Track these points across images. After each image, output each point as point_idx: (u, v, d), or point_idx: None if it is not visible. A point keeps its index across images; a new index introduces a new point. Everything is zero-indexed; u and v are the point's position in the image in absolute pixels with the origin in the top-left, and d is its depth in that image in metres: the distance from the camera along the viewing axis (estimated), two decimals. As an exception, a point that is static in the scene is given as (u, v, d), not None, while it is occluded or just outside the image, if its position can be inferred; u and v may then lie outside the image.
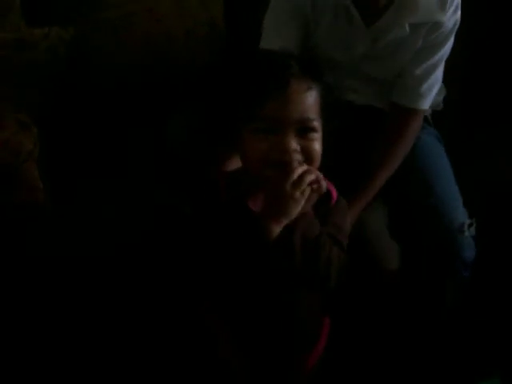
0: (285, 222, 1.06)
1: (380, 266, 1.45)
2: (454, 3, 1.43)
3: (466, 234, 1.44)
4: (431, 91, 1.52)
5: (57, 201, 1.45)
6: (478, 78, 1.79)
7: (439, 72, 1.51)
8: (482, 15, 1.74)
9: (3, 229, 1.38)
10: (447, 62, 1.52)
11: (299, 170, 1.04)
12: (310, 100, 1.07)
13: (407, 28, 1.41)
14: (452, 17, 1.44)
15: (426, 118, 1.62)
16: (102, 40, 1.72)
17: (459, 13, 1.45)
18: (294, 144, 1.05)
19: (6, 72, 1.58)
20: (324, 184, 1.09)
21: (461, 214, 1.46)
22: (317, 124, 1.08)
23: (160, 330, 1.41)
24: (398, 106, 1.52)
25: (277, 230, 1.05)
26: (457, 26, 1.47)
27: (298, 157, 1.06)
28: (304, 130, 1.07)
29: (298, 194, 1.04)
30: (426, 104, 1.52)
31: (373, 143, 1.52)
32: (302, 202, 1.05)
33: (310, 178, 1.05)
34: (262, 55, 1.21)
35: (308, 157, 1.07)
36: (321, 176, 1.08)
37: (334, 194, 1.17)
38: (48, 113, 1.60)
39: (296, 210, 1.05)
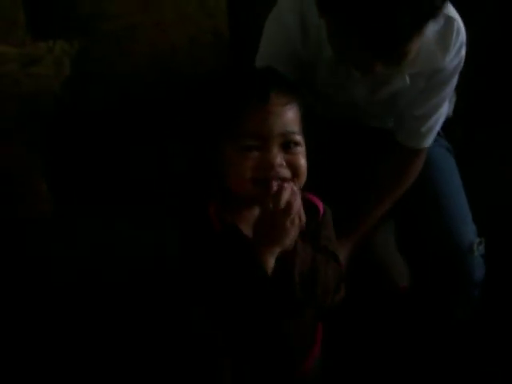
0: (278, 250, 1.03)
1: (390, 282, 1.44)
2: (458, 42, 1.29)
3: (476, 253, 1.41)
4: (434, 129, 1.42)
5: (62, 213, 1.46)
6: (482, 82, 1.77)
7: (443, 108, 1.41)
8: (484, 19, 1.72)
9: (13, 240, 1.39)
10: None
11: (285, 196, 1.01)
12: (291, 114, 1.05)
13: (407, 79, 1.32)
14: (455, 58, 1.31)
15: None
16: (106, 51, 1.73)
17: (463, 51, 1.31)
18: (279, 159, 1.03)
19: (11, 85, 1.59)
20: (303, 218, 1.05)
21: (470, 233, 1.43)
22: (299, 138, 1.06)
23: (155, 334, 1.40)
24: (400, 144, 1.44)
25: (271, 260, 1.03)
26: (461, 64, 1.34)
27: (284, 172, 1.04)
28: (288, 145, 1.04)
29: (288, 224, 1.02)
30: (428, 142, 1.43)
31: (372, 170, 1.47)
32: (293, 232, 1.03)
33: (298, 204, 1.02)
34: (243, 71, 1.19)
35: (294, 171, 1.05)
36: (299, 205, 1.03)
37: (321, 207, 1.15)
38: (54, 124, 1.60)
39: (288, 240, 1.03)
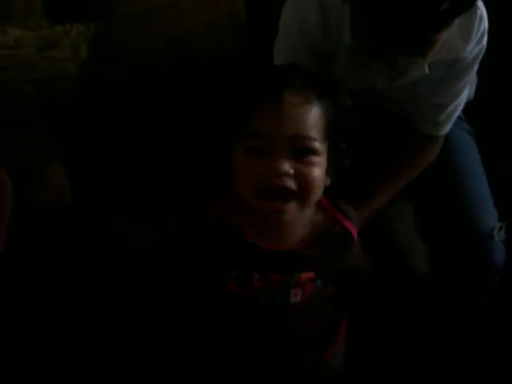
0: None
1: (410, 268, 1.42)
2: (480, 31, 1.26)
3: (496, 238, 1.39)
4: (452, 117, 1.40)
5: (81, 201, 1.45)
6: (505, 65, 1.74)
7: (462, 96, 1.39)
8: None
9: (30, 229, 1.39)
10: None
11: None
12: (308, 116, 0.93)
13: (426, 68, 1.29)
14: (476, 47, 1.29)
15: None
16: (123, 35, 1.71)
17: (485, 39, 1.29)
18: (287, 166, 0.91)
19: (28, 70, 1.59)
20: None
21: (491, 217, 1.42)
22: (318, 145, 0.93)
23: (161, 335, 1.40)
24: (417, 130, 1.42)
25: None
26: (482, 53, 1.32)
27: (289, 182, 0.92)
28: (301, 152, 0.93)
29: None
30: (446, 129, 1.41)
31: (385, 153, 1.45)
32: None
33: None
34: (260, 65, 1.13)
35: (303, 184, 0.93)
36: None
37: (355, 233, 1.07)
38: (72, 109, 1.60)
39: None
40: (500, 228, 1.41)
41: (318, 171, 0.94)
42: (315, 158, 0.94)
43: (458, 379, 1.50)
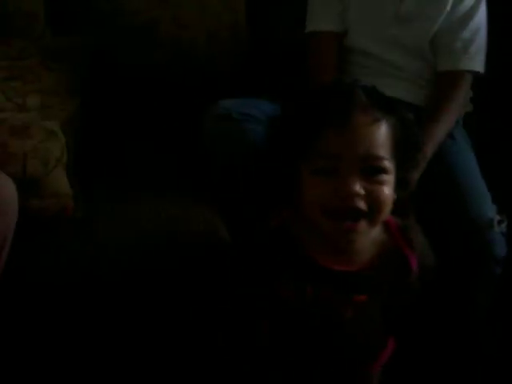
0: None
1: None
2: None
3: (496, 229, 1.40)
4: (470, 47, 1.52)
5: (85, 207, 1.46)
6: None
7: (475, 24, 1.52)
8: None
9: (32, 236, 1.39)
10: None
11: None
12: (377, 135, 0.92)
13: None
14: None
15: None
16: (125, 47, 1.73)
17: None
18: (358, 187, 0.90)
19: (31, 81, 1.60)
20: None
21: (489, 209, 1.43)
22: (387, 164, 0.93)
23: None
24: (445, 72, 1.53)
25: None
26: None
27: (360, 204, 0.91)
28: (371, 171, 0.92)
29: None
30: (466, 64, 1.52)
31: None
32: None
33: None
34: (324, 85, 1.09)
35: (374, 204, 0.92)
36: None
37: (414, 264, 1.05)
38: (75, 120, 1.60)
39: None
40: (500, 221, 1.41)
41: (388, 190, 0.94)
42: (385, 177, 0.94)
43: (457, 377, 1.49)
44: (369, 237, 1.00)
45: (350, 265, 1.01)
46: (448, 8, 1.51)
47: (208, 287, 1.28)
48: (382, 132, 0.93)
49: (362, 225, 0.94)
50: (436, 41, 1.54)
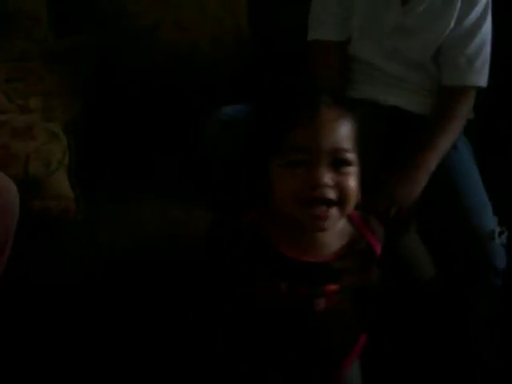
0: None
1: (416, 273, 1.44)
2: None
3: (497, 240, 1.40)
4: (474, 61, 1.50)
5: (87, 209, 1.46)
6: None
7: (479, 39, 1.50)
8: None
9: (34, 238, 1.39)
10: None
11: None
12: (342, 129, 0.99)
13: None
14: None
15: None
16: (128, 49, 1.73)
17: None
18: (326, 178, 0.96)
19: (33, 83, 1.60)
20: None
21: (490, 221, 1.43)
22: (352, 157, 0.99)
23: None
24: (449, 87, 1.52)
25: None
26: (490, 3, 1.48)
27: (330, 193, 0.97)
28: (338, 163, 0.98)
29: None
30: (471, 80, 1.51)
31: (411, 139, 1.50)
32: None
33: None
34: (292, 84, 1.14)
35: (342, 194, 0.98)
36: None
37: (379, 250, 1.10)
38: (77, 122, 1.60)
39: None
40: (501, 232, 1.42)
41: (353, 181, 1.00)
42: (350, 169, 1.00)
43: (456, 381, 1.50)
44: (335, 228, 1.06)
45: (319, 257, 1.06)
46: (452, 23, 1.48)
47: (208, 288, 1.29)
48: (346, 126, 1.00)
49: (334, 212, 1.00)
50: (441, 55, 1.53)
